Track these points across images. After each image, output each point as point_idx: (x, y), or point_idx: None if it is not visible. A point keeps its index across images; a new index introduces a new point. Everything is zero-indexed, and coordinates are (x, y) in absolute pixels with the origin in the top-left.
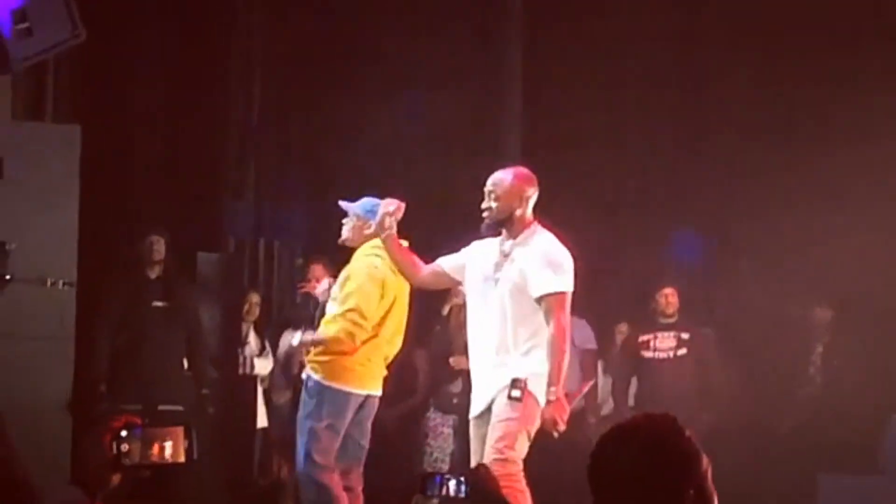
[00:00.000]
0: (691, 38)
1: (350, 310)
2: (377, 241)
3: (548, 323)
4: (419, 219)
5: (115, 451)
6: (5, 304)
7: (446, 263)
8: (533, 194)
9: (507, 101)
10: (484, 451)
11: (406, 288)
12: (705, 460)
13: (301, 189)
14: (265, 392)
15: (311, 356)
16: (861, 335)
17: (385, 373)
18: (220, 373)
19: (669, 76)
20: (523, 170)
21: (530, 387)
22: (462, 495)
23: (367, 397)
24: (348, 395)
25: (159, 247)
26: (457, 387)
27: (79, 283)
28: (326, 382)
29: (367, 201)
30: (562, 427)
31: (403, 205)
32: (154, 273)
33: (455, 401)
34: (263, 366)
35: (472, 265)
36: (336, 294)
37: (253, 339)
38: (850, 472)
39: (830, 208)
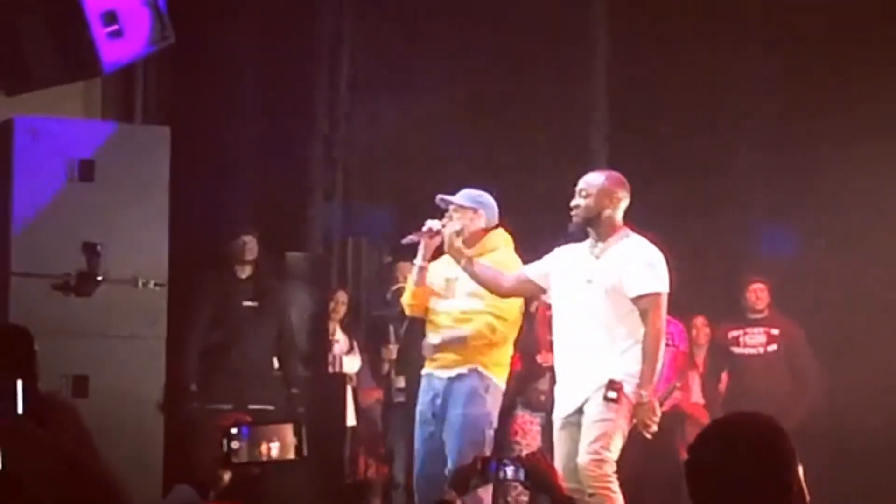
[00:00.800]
0: (776, 28)
1: (487, 304)
2: (498, 233)
3: (644, 323)
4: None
5: (225, 449)
6: (97, 304)
7: (531, 272)
8: (624, 198)
9: (592, 101)
10: (576, 451)
11: None
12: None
13: (389, 188)
14: (353, 391)
15: (471, 354)
16: None
17: None
18: (309, 372)
19: (757, 67)
20: (616, 173)
21: (626, 388)
22: (520, 480)
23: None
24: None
25: (251, 246)
26: (544, 384)
27: (170, 284)
28: (496, 380)
29: (470, 192)
30: (653, 428)
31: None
32: (245, 273)
33: (542, 398)
34: (352, 364)
35: (559, 270)
36: (472, 289)
37: (341, 338)
38: None
39: None
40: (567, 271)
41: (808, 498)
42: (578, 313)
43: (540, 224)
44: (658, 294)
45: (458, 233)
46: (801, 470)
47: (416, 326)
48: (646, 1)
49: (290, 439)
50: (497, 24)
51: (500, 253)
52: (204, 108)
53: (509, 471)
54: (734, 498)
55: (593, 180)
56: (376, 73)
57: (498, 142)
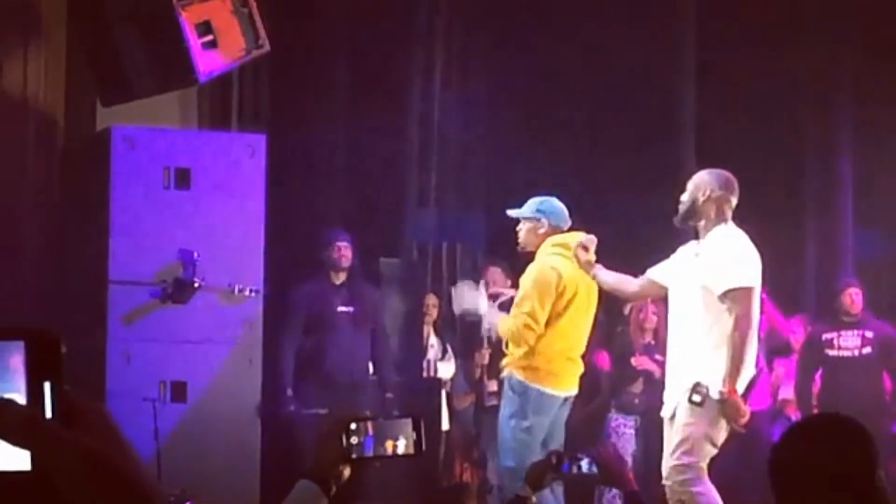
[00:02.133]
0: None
1: (523, 312)
2: (557, 239)
3: (730, 317)
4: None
5: (345, 444)
6: (194, 311)
7: (654, 274)
8: (726, 196)
9: (682, 114)
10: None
11: (591, 285)
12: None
13: (481, 195)
14: (447, 395)
15: (512, 359)
16: None
17: (581, 370)
18: (404, 377)
19: (844, 69)
20: (724, 173)
21: (713, 390)
22: (592, 474)
23: (566, 399)
24: (550, 396)
25: (347, 252)
26: (638, 387)
27: (266, 290)
28: (529, 384)
29: (532, 202)
30: (741, 422)
31: (595, 239)
32: (340, 279)
33: (636, 401)
34: (446, 370)
35: (673, 270)
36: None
37: (435, 343)
38: None
39: None
40: (676, 271)
41: (889, 500)
42: (679, 313)
43: (632, 231)
44: (745, 289)
45: (585, 247)
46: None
47: None
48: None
49: (410, 434)
50: (591, 26)
51: (551, 257)
52: (298, 115)
53: (583, 465)
54: (818, 497)
55: (697, 176)
56: (470, 78)
57: (588, 146)
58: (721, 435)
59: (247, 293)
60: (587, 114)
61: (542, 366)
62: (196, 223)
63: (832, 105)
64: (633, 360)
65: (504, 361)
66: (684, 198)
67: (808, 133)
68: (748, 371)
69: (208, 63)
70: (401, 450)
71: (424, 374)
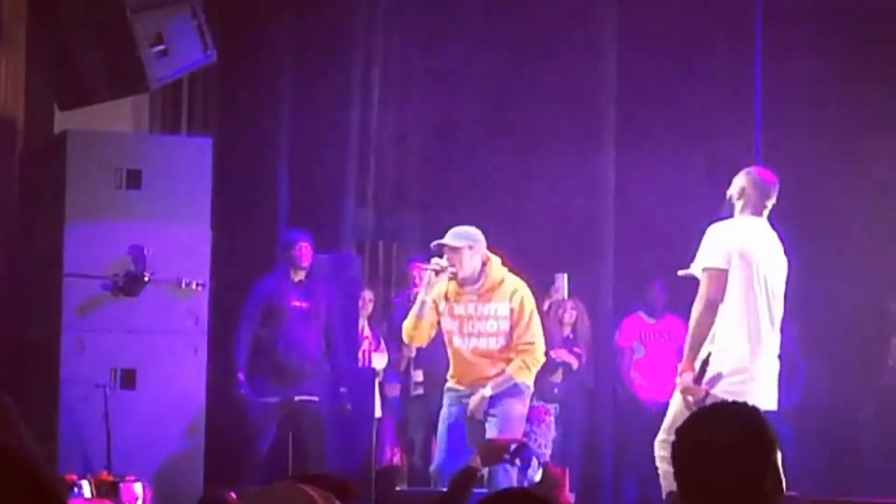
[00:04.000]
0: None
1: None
2: (496, 263)
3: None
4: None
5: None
6: (144, 303)
7: None
8: (752, 192)
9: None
10: None
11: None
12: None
13: (418, 196)
14: (380, 384)
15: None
16: None
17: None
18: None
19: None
20: (760, 171)
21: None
22: (532, 476)
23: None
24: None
25: (307, 252)
26: (557, 377)
27: (212, 284)
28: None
29: (457, 231)
30: (689, 400)
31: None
32: (299, 276)
33: (556, 390)
34: (379, 361)
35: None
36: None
37: (370, 335)
38: None
39: None
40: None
41: (784, 485)
42: None
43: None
44: (708, 270)
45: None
46: (779, 457)
47: None
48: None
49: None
50: (535, 22)
51: (506, 282)
52: (244, 119)
53: (534, 464)
54: (713, 480)
55: (743, 172)
56: (408, 82)
57: (526, 148)
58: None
59: (194, 287)
60: (526, 114)
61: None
62: (146, 221)
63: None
64: (552, 353)
65: None
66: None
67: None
68: (715, 351)
69: (160, 70)
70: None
71: (360, 365)
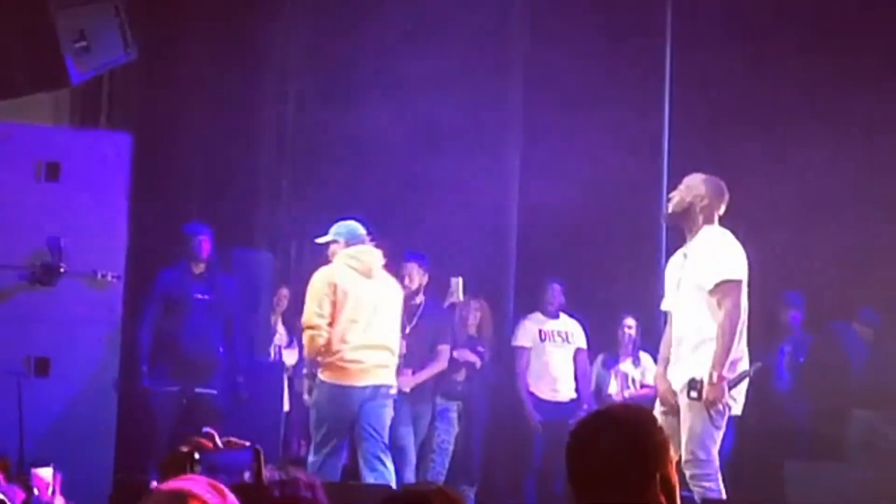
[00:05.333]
0: None
1: (305, 326)
2: (348, 251)
3: (720, 310)
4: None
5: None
6: (60, 294)
7: (667, 305)
8: (712, 200)
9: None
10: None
11: (378, 288)
12: (672, 451)
13: (331, 195)
14: (289, 379)
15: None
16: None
17: (390, 363)
18: (253, 360)
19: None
20: (716, 179)
21: (706, 383)
22: None
23: (373, 389)
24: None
25: (206, 245)
26: (461, 376)
27: (126, 276)
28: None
29: (333, 227)
30: (717, 406)
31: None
32: (199, 269)
33: (459, 388)
34: (290, 356)
35: (667, 277)
36: None
37: (282, 331)
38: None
39: None
40: (669, 277)
41: (677, 486)
42: (678, 314)
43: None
44: (733, 281)
45: None
46: (674, 461)
47: None
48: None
49: (251, 464)
50: (440, 33)
51: (329, 267)
52: (163, 116)
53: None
54: (597, 480)
55: (691, 179)
56: (323, 84)
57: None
58: (723, 424)
59: (109, 278)
60: (434, 117)
61: (336, 362)
62: (64, 213)
63: None
64: (455, 353)
65: None
66: (676, 198)
67: None
68: (740, 361)
69: (81, 66)
70: (245, 479)
71: (271, 359)
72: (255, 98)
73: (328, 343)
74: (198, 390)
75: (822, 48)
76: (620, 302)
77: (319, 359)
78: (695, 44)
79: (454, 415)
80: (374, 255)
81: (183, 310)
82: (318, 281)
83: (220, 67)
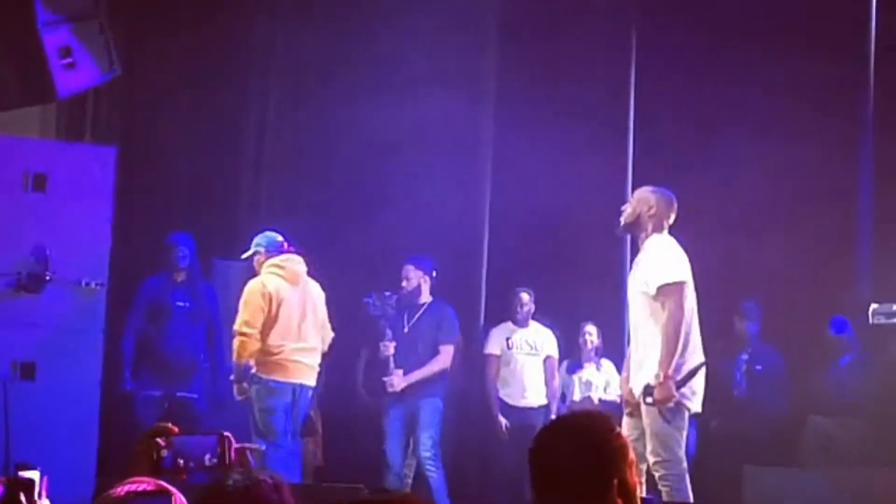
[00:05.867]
0: None
1: (237, 331)
2: (272, 261)
3: (664, 312)
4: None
5: (156, 458)
6: (45, 301)
7: None
8: (659, 210)
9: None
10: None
11: (307, 291)
12: (631, 455)
13: (309, 206)
14: None
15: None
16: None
17: (314, 363)
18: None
19: None
20: (665, 191)
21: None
22: None
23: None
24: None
25: (186, 254)
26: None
27: (110, 285)
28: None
29: (255, 240)
30: (668, 405)
31: None
32: (180, 277)
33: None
34: None
35: (628, 286)
36: None
37: None
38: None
39: None
40: (628, 286)
41: (637, 489)
42: (632, 324)
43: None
44: (674, 283)
45: None
46: (633, 465)
47: None
48: None
49: (215, 449)
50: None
51: (260, 277)
52: (146, 128)
53: None
54: (556, 485)
55: (641, 192)
56: (300, 97)
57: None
58: (684, 423)
59: (93, 286)
60: (412, 127)
61: (281, 361)
62: (50, 223)
63: None
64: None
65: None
66: (628, 210)
67: None
68: (688, 360)
69: (67, 82)
70: (207, 462)
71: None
72: (235, 109)
73: (263, 348)
74: (179, 394)
75: (782, 50)
76: (585, 309)
77: (252, 361)
78: (660, 50)
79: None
80: (298, 263)
81: (164, 317)
82: (252, 292)
83: (200, 79)
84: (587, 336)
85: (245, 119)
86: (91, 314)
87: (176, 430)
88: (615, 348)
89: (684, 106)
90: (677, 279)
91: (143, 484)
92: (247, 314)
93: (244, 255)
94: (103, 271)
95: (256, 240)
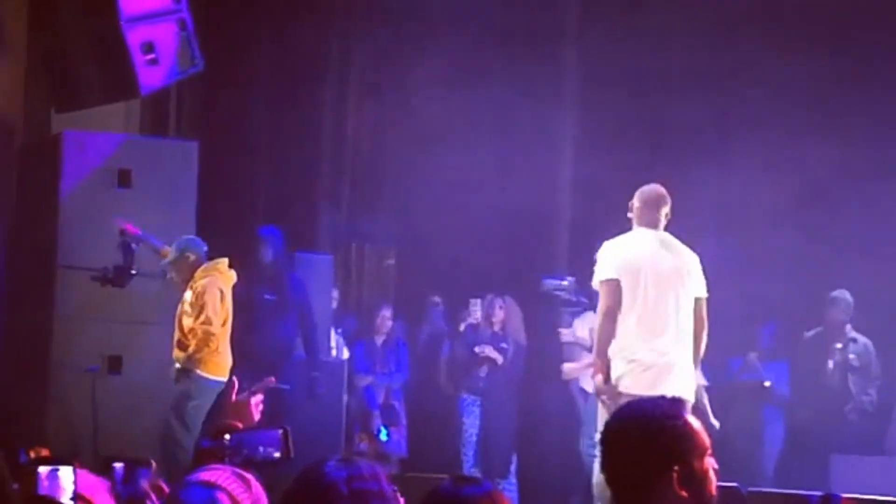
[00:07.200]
0: None
1: (202, 324)
2: (209, 265)
3: None
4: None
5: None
6: (131, 294)
7: None
8: (640, 207)
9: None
10: None
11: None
12: (702, 442)
13: (389, 200)
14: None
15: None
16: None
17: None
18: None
19: None
20: (651, 187)
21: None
22: None
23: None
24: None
25: (271, 249)
26: (483, 371)
27: None
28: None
29: (176, 246)
30: (602, 396)
31: None
32: (265, 270)
33: (481, 384)
34: (347, 354)
35: None
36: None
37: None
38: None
39: None
40: None
41: (708, 480)
42: None
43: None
44: (600, 282)
45: None
46: (706, 455)
47: None
48: None
49: (279, 443)
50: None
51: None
52: (228, 122)
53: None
54: (619, 472)
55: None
56: (381, 92)
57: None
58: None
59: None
60: (494, 121)
61: (219, 361)
62: (135, 218)
63: None
64: (476, 348)
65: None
66: None
67: None
68: (614, 357)
69: (150, 78)
70: (272, 456)
71: (332, 357)
72: (317, 103)
73: (217, 344)
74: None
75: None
76: None
77: (199, 356)
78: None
79: (478, 409)
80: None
81: (251, 310)
82: (214, 289)
83: (282, 74)
84: None
85: (327, 110)
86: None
87: (241, 426)
88: None
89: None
90: (602, 277)
91: (220, 471)
92: (211, 310)
93: (170, 258)
94: None
95: (185, 245)
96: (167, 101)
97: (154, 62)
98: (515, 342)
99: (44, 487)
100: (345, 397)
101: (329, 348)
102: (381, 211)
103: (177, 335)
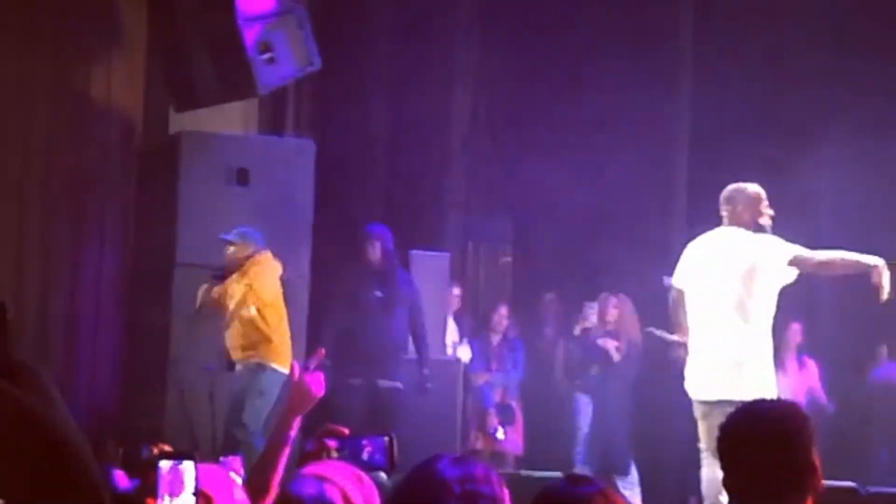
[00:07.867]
0: None
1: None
2: (269, 256)
3: None
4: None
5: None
6: None
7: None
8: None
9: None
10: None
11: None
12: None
13: (506, 200)
14: (464, 375)
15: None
16: None
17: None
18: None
19: None
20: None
21: None
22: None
23: None
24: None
25: (384, 246)
26: (595, 369)
27: (311, 275)
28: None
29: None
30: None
31: None
32: (377, 268)
33: (593, 382)
34: (463, 353)
35: None
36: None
37: (453, 328)
38: None
39: None
40: None
41: (821, 477)
42: None
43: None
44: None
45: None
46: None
47: None
48: None
49: (384, 450)
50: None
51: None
52: (346, 121)
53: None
54: (754, 470)
55: None
56: (497, 92)
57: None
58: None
59: (295, 277)
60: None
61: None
62: (252, 216)
63: None
64: (599, 340)
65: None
66: None
67: None
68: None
69: (268, 77)
70: (377, 463)
71: (447, 356)
72: (436, 106)
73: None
74: (382, 383)
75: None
76: None
77: (269, 346)
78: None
79: (591, 408)
80: None
81: (363, 307)
82: (272, 277)
83: (396, 77)
84: None
85: (443, 108)
86: (293, 305)
87: (346, 431)
88: None
89: None
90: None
91: (332, 465)
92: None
93: (234, 243)
94: (304, 263)
95: (249, 235)
96: (285, 99)
97: (271, 61)
98: (629, 340)
99: (165, 482)
100: (461, 395)
101: (444, 346)
102: (498, 210)
103: (236, 330)
